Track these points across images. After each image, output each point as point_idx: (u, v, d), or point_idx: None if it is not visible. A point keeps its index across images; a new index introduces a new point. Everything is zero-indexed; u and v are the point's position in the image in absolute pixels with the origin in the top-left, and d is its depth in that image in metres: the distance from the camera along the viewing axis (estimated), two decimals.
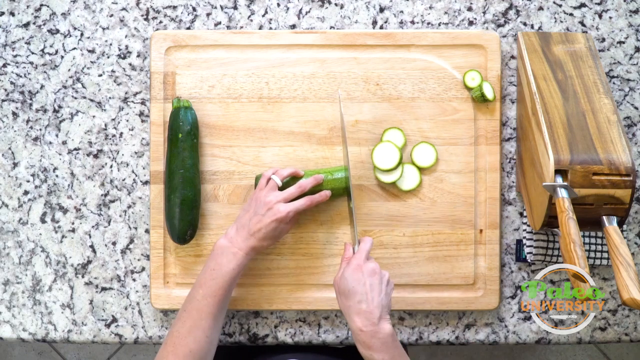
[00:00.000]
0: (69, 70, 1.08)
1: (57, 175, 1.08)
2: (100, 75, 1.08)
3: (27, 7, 1.09)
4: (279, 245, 1.04)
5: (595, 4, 1.09)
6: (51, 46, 1.09)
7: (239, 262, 0.93)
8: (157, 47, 1.05)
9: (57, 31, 1.09)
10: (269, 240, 0.94)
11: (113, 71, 1.08)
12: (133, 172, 1.07)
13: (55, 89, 1.08)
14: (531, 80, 0.97)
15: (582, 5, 1.09)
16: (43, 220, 1.08)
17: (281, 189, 0.97)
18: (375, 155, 1.02)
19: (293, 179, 0.99)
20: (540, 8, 1.09)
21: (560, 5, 1.09)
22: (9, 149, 1.08)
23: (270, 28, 1.09)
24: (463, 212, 1.04)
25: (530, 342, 1.07)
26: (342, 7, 1.09)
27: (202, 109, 1.05)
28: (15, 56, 1.09)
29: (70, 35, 1.09)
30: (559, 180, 0.87)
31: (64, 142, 1.08)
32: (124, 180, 1.08)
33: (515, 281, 1.07)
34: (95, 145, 1.08)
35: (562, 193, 0.85)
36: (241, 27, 1.09)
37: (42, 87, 1.08)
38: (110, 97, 1.08)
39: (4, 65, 1.09)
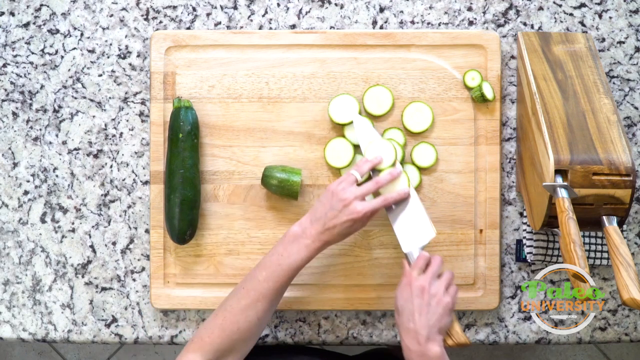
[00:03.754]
0: (69, 70, 1.08)
1: (57, 175, 1.08)
2: (100, 75, 1.08)
3: (27, 7, 1.09)
4: None
5: (595, 4, 1.09)
6: (51, 46, 1.09)
7: (309, 254, 0.91)
8: (157, 47, 1.05)
9: (57, 31, 1.09)
10: (342, 236, 0.92)
11: (113, 71, 1.08)
12: (133, 172, 1.07)
13: (55, 89, 1.08)
14: (531, 80, 0.97)
15: (582, 5, 1.09)
16: (43, 220, 1.08)
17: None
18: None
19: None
20: (540, 8, 1.09)
21: (560, 5, 1.09)
22: (9, 149, 1.08)
23: (270, 28, 1.09)
24: (463, 212, 1.04)
25: (530, 342, 1.07)
26: (342, 7, 1.09)
27: (202, 109, 1.05)
28: (15, 56, 1.09)
29: (70, 35, 1.09)
30: (559, 180, 0.87)
31: (64, 142, 1.08)
32: (124, 180, 1.07)
33: (515, 281, 1.07)
34: (95, 145, 1.08)
35: (562, 193, 0.85)
36: (241, 27, 1.09)
37: (42, 87, 1.08)
38: (110, 97, 1.08)
39: (4, 65, 1.09)
